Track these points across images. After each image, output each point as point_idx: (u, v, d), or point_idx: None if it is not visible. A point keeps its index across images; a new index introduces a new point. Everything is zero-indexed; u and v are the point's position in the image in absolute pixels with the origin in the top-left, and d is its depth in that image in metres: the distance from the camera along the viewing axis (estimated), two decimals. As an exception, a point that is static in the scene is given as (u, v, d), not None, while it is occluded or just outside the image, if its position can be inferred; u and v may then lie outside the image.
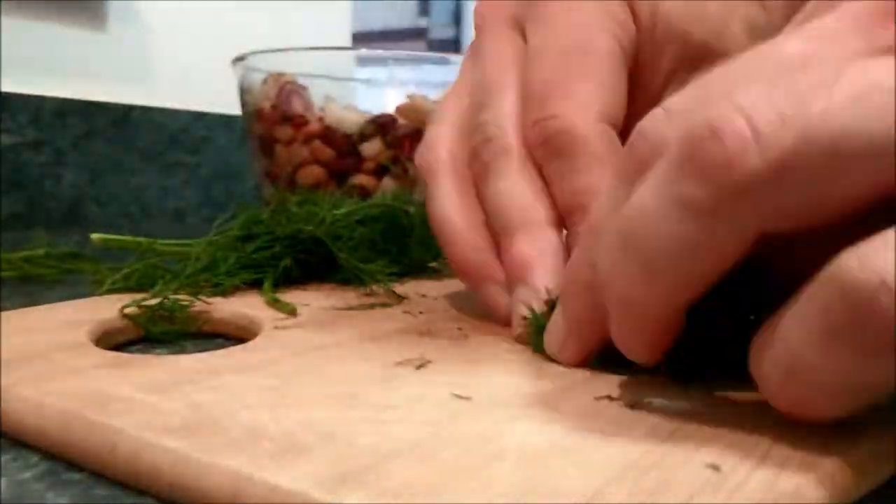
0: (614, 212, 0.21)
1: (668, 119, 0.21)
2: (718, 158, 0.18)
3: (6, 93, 0.77)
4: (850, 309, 0.16)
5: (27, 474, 0.20)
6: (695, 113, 0.19)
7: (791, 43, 0.19)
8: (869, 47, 0.18)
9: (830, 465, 0.18)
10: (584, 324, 0.25)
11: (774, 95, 0.17)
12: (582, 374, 0.25)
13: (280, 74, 0.63)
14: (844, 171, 0.17)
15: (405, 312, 0.35)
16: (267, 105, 0.63)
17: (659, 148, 0.20)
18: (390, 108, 0.61)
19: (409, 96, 0.61)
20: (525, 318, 0.28)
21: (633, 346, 0.22)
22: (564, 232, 0.30)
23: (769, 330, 0.19)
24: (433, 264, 0.48)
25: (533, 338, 0.28)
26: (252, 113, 0.65)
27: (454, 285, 0.43)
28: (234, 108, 0.71)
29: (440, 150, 0.33)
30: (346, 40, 1.15)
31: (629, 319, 0.21)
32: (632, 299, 0.21)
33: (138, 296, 0.33)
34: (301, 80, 0.63)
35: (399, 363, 0.26)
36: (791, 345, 0.18)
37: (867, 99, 0.16)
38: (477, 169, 0.32)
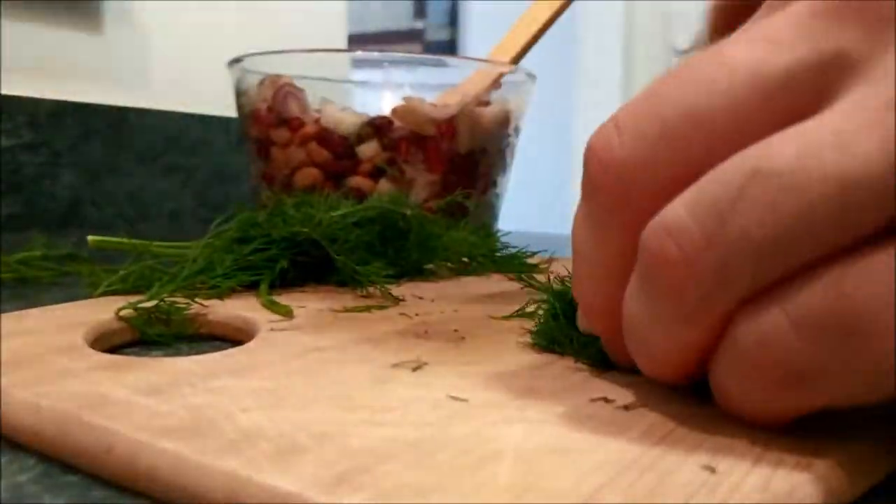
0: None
1: (619, 139, 0.21)
2: (665, 287, 0.19)
3: (3, 95, 0.77)
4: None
5: (24, 476, 0.20)
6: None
7: (737, 48, 0.19)
8: (813, 51, 0.18)
9: (825, 465, 0.18)
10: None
11: (698, 213, 0.18)
12: (579, 376, 0.25)
13: (276, 76, 0.63)
14: (780, 264, 0.18)
15: (401, 314, 0.35)
16: (263, 107, 0.63)
17: (614, 179, 0.21)
18: (386, 110, 0.61)
19: (405, 98, 0.61)
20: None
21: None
22: None
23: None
24: (429, 266, 0.48)
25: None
26: (248, 115, 0.65)
27: (450, 287, 0.43)
28: (231, 111, 0.71)
29: None
30: (342, 42, 1.15)
31: (651, 372, 0.23)
32: (648, 369, 0.22)
33: (134, 298, 0.33)
34: (297, 82, 0.63)
35: (395, 365, 0.26)
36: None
37: (774, 210, 0.17)
38: None
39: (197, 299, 0.35)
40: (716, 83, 0.19)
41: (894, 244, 0.17)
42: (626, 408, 0.22)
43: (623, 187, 0.20)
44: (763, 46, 0.19)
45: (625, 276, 0.21)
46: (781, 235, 0.17)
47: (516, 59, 0.67)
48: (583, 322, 0.27)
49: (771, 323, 0.18)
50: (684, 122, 0.19)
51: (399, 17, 3.12)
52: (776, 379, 0.18)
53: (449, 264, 0.49)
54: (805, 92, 0.18)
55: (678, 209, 0.19)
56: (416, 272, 0.46)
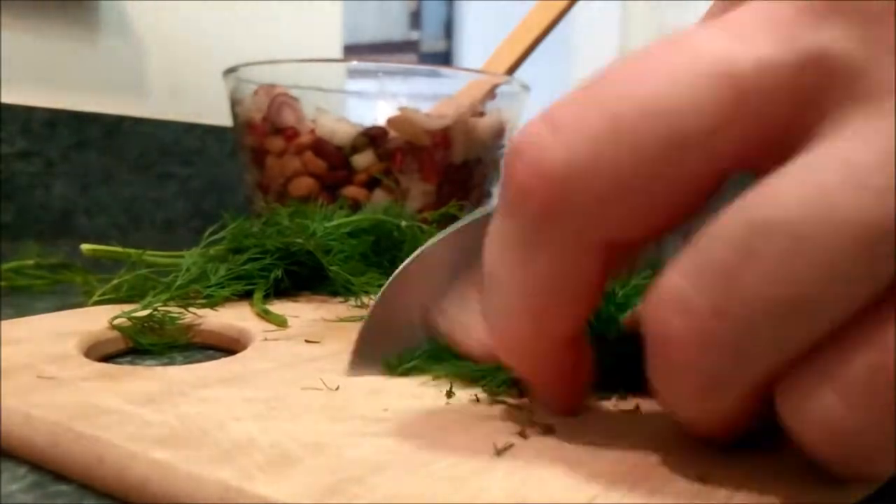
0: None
1: (555, 137, 0.18)
2: (678, 366, 0.17)
3: (-4, 103, 0.77)
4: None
5: (14, 486, 0.20)
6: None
7: (698, 38, 0.17)
8: (787, 48, 0.16)
9: (814, 480, 0.18)
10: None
11: (699, 279, 0.16)
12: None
13: (271, 86, 0.63)
14: (806, 325, 0.16)
15: (395, 324, 0.35)
16: (258, 117, 0.63)
17: None
18: (381, 121, 0.61)
19: (400, 109, 0.61)
20: None
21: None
22: None
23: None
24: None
25: None
26: (243, 124, 0.65)
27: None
28: (226, 120, 0.70)
29: None
30: (338, 52, 1.15)
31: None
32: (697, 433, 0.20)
33: (128, 307, 0.33)
34: (292, 92, 0.63)
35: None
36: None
37: (787, 265, 0.15)
38: None
39: (190, 309, 0.35)
40: (677, 72, 0.16)
41: None
42: (621, 419, 0.22)
43: (560, 194, 0.17)
44: (729, 38, 0.16)
45: (556, 305, 0.19)
46: (800, 293, 0.15)
47: (511, 70, 0.67)
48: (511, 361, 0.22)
49: (824, 408, 0.16)
50: (640, 116, 0.16)
51: (394, 27, 3.13)
52: (845, 455, 0.16)
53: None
54: (782, 95, 0.16)
55: (675, 278, 0.16)
56: (410, 282, 0.46)
